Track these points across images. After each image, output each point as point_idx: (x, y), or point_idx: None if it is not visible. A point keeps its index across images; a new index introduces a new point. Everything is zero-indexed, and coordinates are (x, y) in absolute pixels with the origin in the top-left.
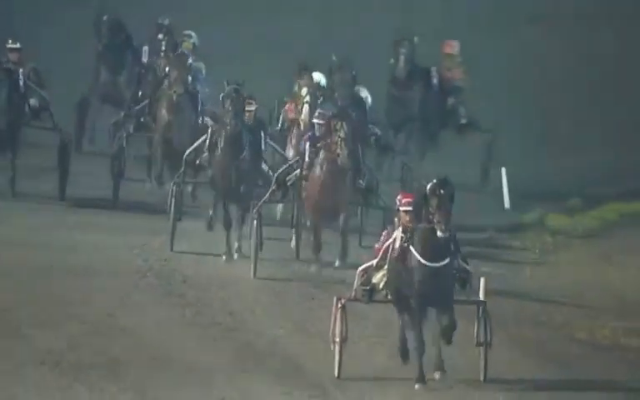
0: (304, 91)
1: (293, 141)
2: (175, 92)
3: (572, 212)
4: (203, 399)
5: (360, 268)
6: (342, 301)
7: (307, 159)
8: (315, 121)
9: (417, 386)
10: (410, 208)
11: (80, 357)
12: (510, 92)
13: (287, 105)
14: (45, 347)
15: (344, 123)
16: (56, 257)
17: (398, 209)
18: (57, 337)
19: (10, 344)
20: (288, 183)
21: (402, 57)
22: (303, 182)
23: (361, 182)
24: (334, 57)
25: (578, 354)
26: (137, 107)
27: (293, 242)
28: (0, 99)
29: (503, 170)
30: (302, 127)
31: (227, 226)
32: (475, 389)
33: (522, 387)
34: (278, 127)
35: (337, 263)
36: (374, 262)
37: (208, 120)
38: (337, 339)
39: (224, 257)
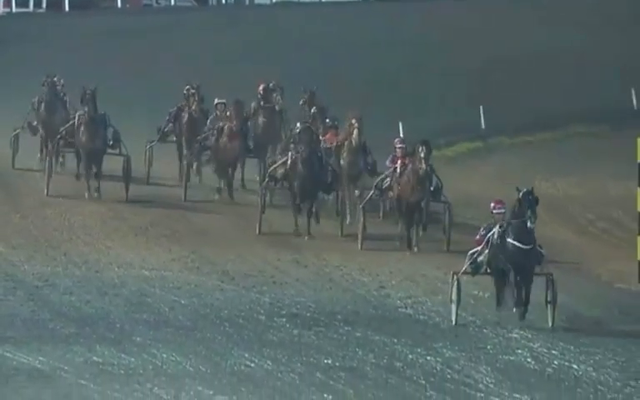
0: (354, 121)
1: (345, 154)
2: (235, 125)
3: (439, 148)
4: (238, 259)
5: (470, 252)
6: (457, 274)
7: (398, 171)
8: (397, 145)
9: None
10: (501, 211)
11: (158, 230)
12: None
13: (328, 134)
14: (137, 225)
15: (424, 147)
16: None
17: (492, 212)
18: (144, 219)
19: (118, 224)
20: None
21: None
22: (395, 186)
23: (432, 187)
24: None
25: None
26: (201, 137)
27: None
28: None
29: (400, 123)
30: (353, 144)
31: (297, 214)
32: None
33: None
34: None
35: (415, 250)
36: (479, 248)
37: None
38: (454, 299)
39: (295, 231)
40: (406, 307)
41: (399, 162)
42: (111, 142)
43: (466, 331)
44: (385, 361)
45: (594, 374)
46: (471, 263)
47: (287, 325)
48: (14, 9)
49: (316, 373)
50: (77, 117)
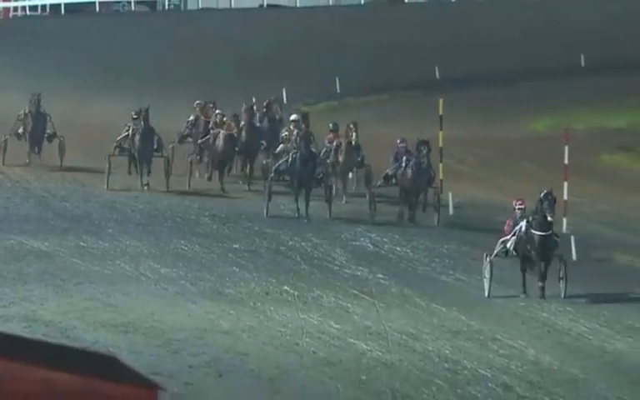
0: (351, 125)
1: (344, 151)
2: (233, 131)
3: (309, 105)
4: (177, 181)
5: (500, 240)
6: (490, 257)
7: (403, 165)
8: (399, 144)
9: (540, 299)
10: (522, 207)
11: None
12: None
13: (330, 135)
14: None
15: (425, 147)
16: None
17: (515, 208)
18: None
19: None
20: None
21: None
22: (400, 177)
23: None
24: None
25: None
26: (201, 141)
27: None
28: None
29: (284, 89)
30: (352, 144)
31: (297, 201)
32: (559, 300)
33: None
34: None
35: (436, 224)
36: (508, 236)
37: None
38: (487, 278)
39: (297, 215)
40: (288, 210)
41: (404, 158)
42: (156, 147)
43: (327, 226)
44: (274, 245)
45: (411, 254)
46: (502, 249)
47: (209, 222)
48: (28, 12)
49: (228, 254)
50: (130, 129)
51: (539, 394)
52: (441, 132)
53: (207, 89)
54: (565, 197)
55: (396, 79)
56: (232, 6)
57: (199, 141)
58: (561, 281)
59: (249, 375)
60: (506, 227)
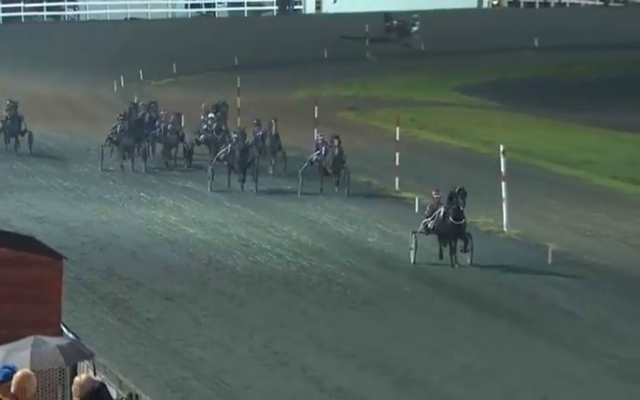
0: (273, 120)
1: (268, 139)
2: (177, 126)
3: (158, 80)
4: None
5: (423, 221)
6: (415, 233)
7: (324, 152)
8: (319, 137)
9: (455, 266)
10: (438, 196)
11: None
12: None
13: (255, 128)
14: None
15: (338, 139)
16: None
17: (433, 197)
18: None
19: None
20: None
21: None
22: (322, 161)
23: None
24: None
25: None
26: (153, 132)
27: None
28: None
29: (140, 70)
30: (273, 133)
31: (243, 179)
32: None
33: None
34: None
35: (347, 194)
36: (429, 219)
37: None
38: (412, 248)
39: (242, 191)
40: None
41: (324, 147)
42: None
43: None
44: (135, 168)
45: (224, 176)
46: (424, 227)
47: (93, 153)
48: None
49: (107, 173)
50: (118, 126)
51: (299, 260)
52: (238, 98)
53: (91, 72)
54: (315, 138)
55: (209, 64)
56: (108, 18)
57: (152, 133)
58: (468, 252)
59: (120, 249)
60: (426, 211)
